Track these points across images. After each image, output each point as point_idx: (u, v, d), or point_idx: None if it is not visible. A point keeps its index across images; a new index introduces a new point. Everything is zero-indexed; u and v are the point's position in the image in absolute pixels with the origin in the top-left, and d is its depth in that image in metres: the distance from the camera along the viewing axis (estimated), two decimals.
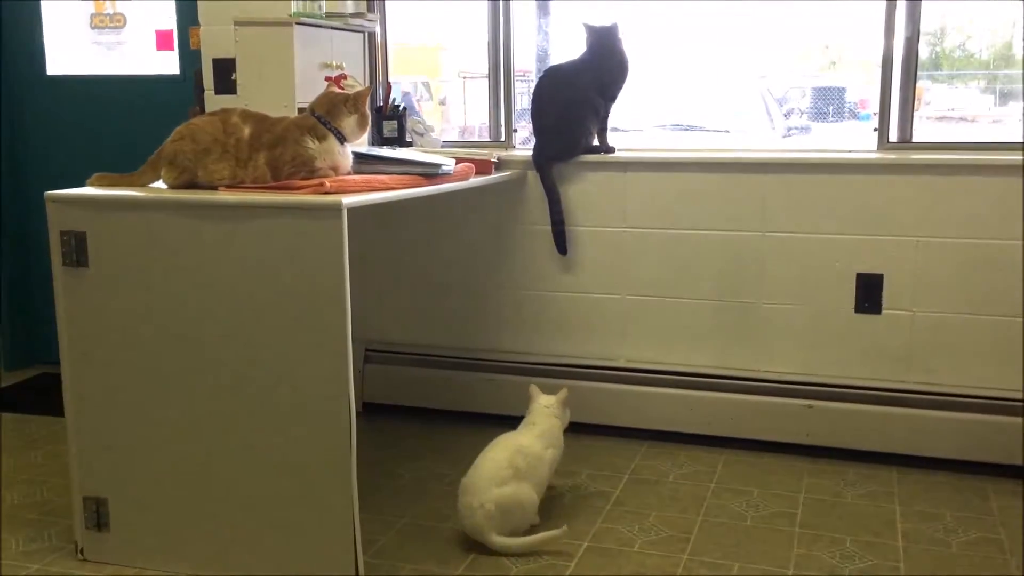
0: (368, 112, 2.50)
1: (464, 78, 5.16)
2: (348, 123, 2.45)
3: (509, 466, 2.58)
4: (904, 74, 3.15)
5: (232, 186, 2.39)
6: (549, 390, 3.37)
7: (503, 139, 3.59)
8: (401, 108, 3.59)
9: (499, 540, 2.51)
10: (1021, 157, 2.92)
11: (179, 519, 2.43)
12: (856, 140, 3.35)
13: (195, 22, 3.66)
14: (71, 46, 4.09)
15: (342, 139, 2.46)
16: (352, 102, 2.46)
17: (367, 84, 3.61)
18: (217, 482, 2.38)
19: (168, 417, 2.39)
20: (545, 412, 2.81)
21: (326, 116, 2.44)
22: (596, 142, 3.33)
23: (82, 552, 2.51)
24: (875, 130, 3.19)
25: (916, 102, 3.20)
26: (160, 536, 2.45)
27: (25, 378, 4.15)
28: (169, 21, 3.91)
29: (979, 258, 3.00)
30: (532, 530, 2.59)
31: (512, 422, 3.45)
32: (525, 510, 2.59)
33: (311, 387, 2.26)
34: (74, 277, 2.39)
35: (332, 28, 3.36)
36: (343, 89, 2.58)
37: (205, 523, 2.41)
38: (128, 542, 2.47)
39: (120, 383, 2.41)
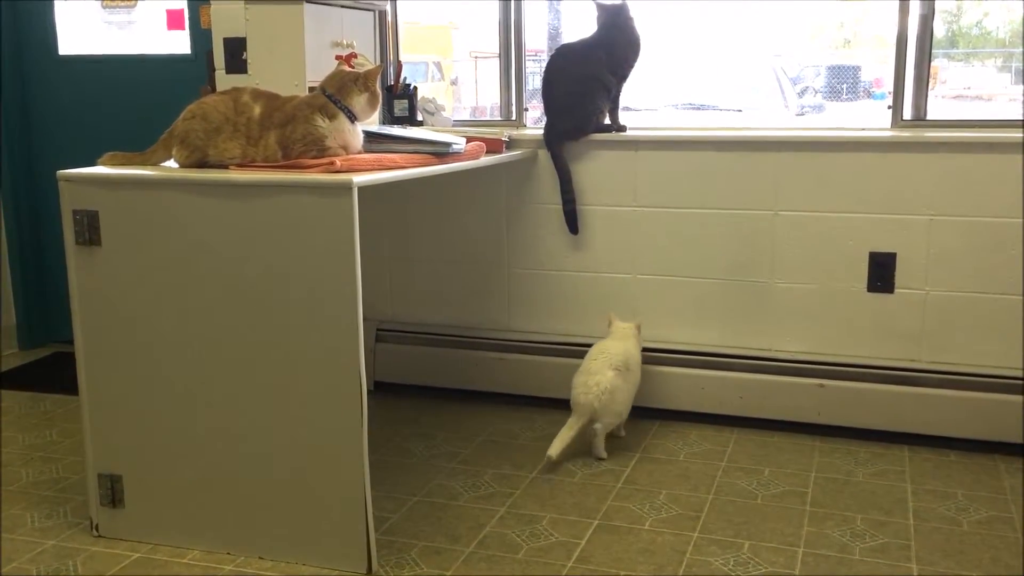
0: (379, 91, 2.49)
1: (475, 58, 5.14)
2: (358, 101, 2.45)
3: (623, 356, 3.03)
4: (919, 52, 3.12)
5: (243, 165, 2.40)
6: (559, 369, 3.39)
7: (514, 118, 3.58)
8: (412, 87, 3.58)
9: (568, 429, 2.95)
10: (1021, 135, 2.90)
11: (192, 496, 2.45)
12: (870, 119, 3.33)
13: (206, 1, 3.65)
14: (82, 26, 4.09)
15: (352, 118, 2.45)
16: (362, 80, 2.46)
17: (377, 63, 3.61)
18: (230, 460, 2.39)
19: (182, 395, 2.40)
20: (627, 333, 3.13)
21: (336, 94, 2.44)
22: (607, 121, 3.32)
23: (97, 528, 2.54)
24: (889, 108, 3.17)
25: (931, 80, 3.17)
26: (174, 513, 2.47)
27: (40, 357, 4.18)
28: (180, 0, 3.90)
29: (993, 237, 2.98)
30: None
31: (523, 401, 3.47)
32: (620, 405, 3.03)
33: (323, 366, 2.27)
34: (87, 256, 2.41)
35: (342, 7, 3.35)
36: (353, 68, 2.57)
37: (218, 500, 2.43)
38: (143, 519, 2.50)
39: (134, 361, 2.42)
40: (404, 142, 2.66)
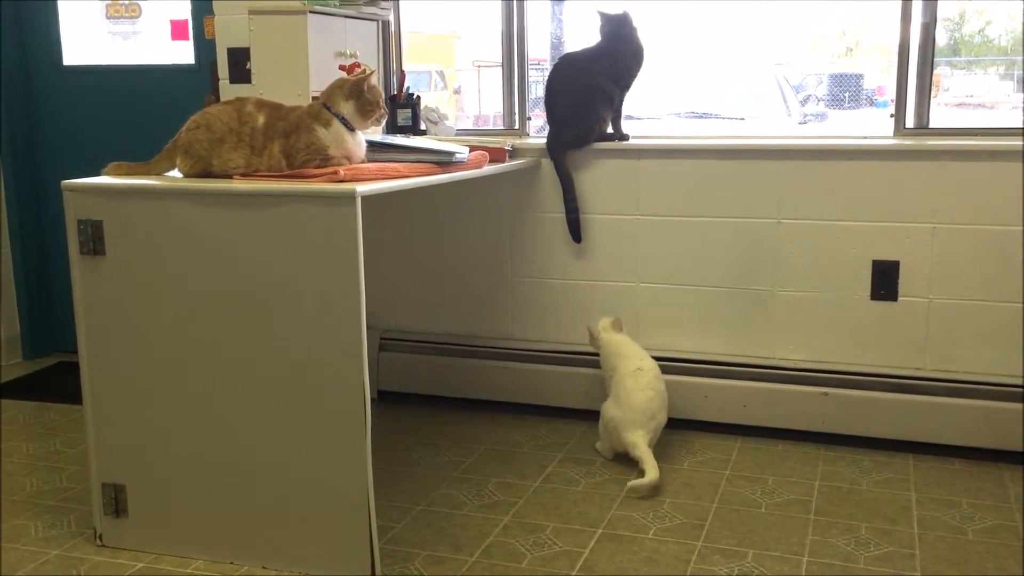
0: (373, 98, 2.45)
1: (478, 67, 5.16)
2: (346, 108, 2.44)
3: (659, 397, 2.99)
4: (921, 60, 3.12)
5: (247, 174, 2.40)
6: (563, 378, 3.39)
7: (517, 127, 3.59)
8: (415, 96, 3.59)
9: (647, 449, 2.89)
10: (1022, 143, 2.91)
11: (196, 506, 2.45)
12: (873, 127, 3.33)
13: (210, 12, 3.67)
14: (87, 36, 4.11)
15: (350, 126, 2.45)
16: (349, 86, 2.45)
17: (382, 73, 3.61)
18: (233, 469, 2.40)
19: (185, 404, 2.41)
20: (624, 338, 3.15)
21: (327, 102, 2.45)
22: (610, 129, 3.32)
23: (101, 538, 2.54)
24: (891, 116, 3.17)
25: (934, 88, 3.17)
26: (178, 522, 2.47)
27: (44, 366, 4.19)
28: (184, 11, 3.92)
29: (996, 244, 2.98)
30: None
31: (526, 410, 3.47)
32: (660, 429, 3.02)
33: (326, 375, 2.27)
34: (91, 265, 2.41)
35: (346, 17, 3.36)
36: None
37: (221, 510, 2.43)
38: (146, 528, 2.50)
39: (137, 370, 2.43)
40: (407, 151, 2.66)
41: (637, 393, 2.94)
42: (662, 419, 3.00)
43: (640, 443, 2.87)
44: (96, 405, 2.48)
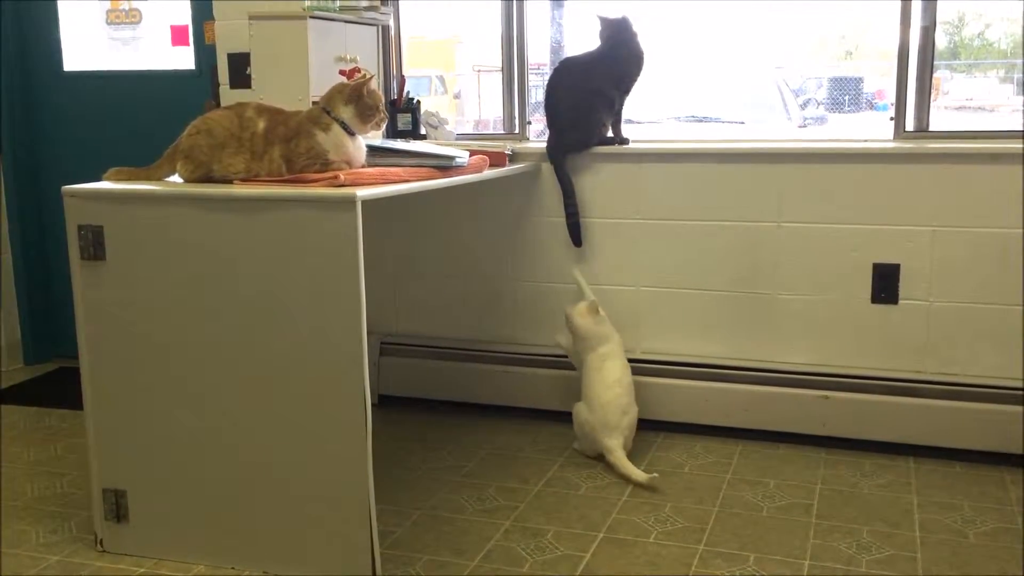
0: (373, 102, 2.45)
1: (478, 71, 5.17)
2: (346, 113, 2.44)
3: (627, 392, 3.04)
4: (921, 63, 3.12)
5: (247, 179, 2.41)
6: (564, 382, 3.38)
7: (517, 132, 3.59)
8: (415, 101, 3.59)
9: (623, 456, 2.95)
10: (1022, 146, 2.91)
11: (197, 511, 2.45)
12: (873, 130, 3.34)
13: (210, 17, 3.68)
14: (87, 42, 4.11)
15: (349, 131, 2.45)
16: (349, 91, 2.45)
17: (382, 78, 3.62)
18: (234, 474, 2.39)
19: (186, 409, 2.41)
20: (597, 324, 3.10)
21: (328, 106, 2.45)
22: (610, 134, 3.32)
23: (101, 543, 2.53)
24: (891, 119, 3.17)
25: (934, 91, 3.17)
26: (179, 528, 2.47)
27: (44, 372, 4.19)
28: (184, 16, 3.92)
29: (996, 247, 2.98)
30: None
31: (527, 414, 3.47)
32: (635, 424, 3.07)
33: (327, 380, 2.27)
34: (92, 271, 2.41)
35: (346, 22, 3.37)
36: None
37: (223, 515, 2.42)
38: (147, 534, 2.50)
39: (138, 375, 2.43)
40: (408, 156, 2.66)
41: (605, 392, 3.01)
42: (633, 414, 3.06)
43: (616, 450, 2.96)
44: (97, 410, 2.48)
